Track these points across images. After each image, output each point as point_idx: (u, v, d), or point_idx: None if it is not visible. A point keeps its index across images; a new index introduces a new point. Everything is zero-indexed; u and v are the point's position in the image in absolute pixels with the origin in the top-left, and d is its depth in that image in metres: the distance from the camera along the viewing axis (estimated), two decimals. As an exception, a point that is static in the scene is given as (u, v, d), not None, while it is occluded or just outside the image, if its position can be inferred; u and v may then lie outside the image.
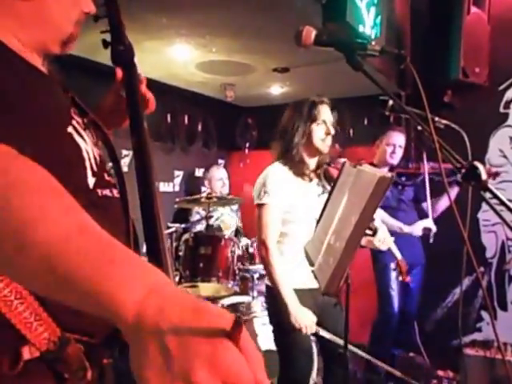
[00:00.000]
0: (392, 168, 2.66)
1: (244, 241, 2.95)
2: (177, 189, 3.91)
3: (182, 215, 3.40)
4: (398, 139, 2.66)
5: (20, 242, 0.45)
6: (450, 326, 2.62)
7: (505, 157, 2.93)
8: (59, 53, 0.78)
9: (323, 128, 1.88)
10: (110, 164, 0.84)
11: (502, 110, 2.96)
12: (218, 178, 3.58)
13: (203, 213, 3.23)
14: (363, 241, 2.40)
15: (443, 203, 2.63)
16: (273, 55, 2.89)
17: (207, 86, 3.68)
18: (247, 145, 4.35)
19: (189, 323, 0.41)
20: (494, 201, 0.93)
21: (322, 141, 1.88)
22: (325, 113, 1.90)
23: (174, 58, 2.97)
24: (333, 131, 1.89)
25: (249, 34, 2.57)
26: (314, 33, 1.05)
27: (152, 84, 0.99)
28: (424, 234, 2.59)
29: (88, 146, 0.74)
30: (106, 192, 0.76)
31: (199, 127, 4.02)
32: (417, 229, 2.57)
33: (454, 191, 2.33)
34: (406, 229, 2.57)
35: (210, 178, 3.63)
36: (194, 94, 3.88)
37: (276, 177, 1.86)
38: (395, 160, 2.66)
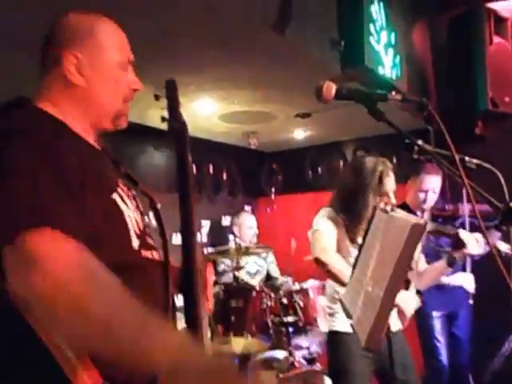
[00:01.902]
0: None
1: (276, 284, 2.83)
2: (204, 239, 3.86)
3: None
4: (432, 184, 2.41)
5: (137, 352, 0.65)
6: (511, 376, 2.36)
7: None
8: (112, 128, 0.93)
9: (385, 200, 1.79)
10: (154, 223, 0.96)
11: (539, 138, 2.81)
12: (249, 227, 3.46)
13: (232, 264, 3.15)
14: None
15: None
16: (293, 102, 2.91)
17: (230, 135, 3.73)
18: (273, 190, 4.32)
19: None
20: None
21: None
22: (389, 182, 1.82)
23: (197, 111, 3.04)
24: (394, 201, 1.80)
25: (269, 85, 2.61)
26: (334, 88, 1.08)
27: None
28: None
29: (130, 212, 0.86)
30: (148, 254, 0.87)
31: (224, 176, 4.04)
32: (457, 281, 2.43)
33: (496, 236, 2.16)
34: (445, 280, 2.39)
35: (239, 224, 3.51)
36: (218, 143, 3.93)
37: (328, 219, 1.82)
38: (428, 205, 2.45)
